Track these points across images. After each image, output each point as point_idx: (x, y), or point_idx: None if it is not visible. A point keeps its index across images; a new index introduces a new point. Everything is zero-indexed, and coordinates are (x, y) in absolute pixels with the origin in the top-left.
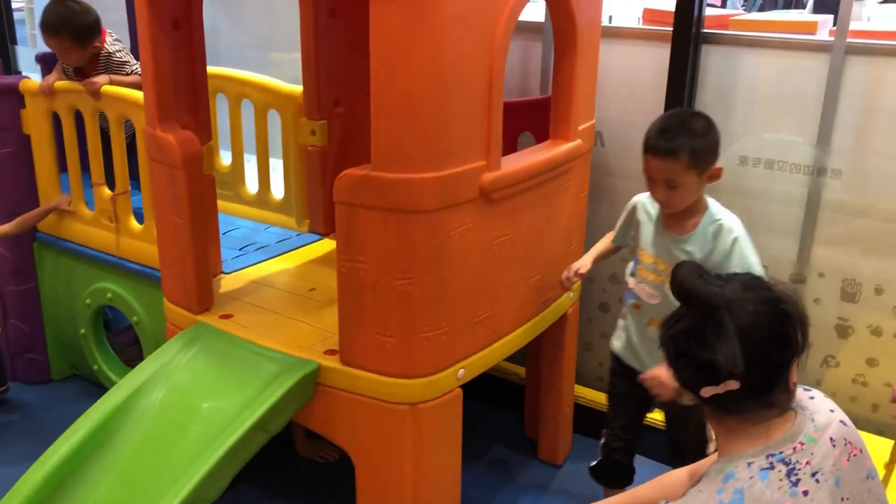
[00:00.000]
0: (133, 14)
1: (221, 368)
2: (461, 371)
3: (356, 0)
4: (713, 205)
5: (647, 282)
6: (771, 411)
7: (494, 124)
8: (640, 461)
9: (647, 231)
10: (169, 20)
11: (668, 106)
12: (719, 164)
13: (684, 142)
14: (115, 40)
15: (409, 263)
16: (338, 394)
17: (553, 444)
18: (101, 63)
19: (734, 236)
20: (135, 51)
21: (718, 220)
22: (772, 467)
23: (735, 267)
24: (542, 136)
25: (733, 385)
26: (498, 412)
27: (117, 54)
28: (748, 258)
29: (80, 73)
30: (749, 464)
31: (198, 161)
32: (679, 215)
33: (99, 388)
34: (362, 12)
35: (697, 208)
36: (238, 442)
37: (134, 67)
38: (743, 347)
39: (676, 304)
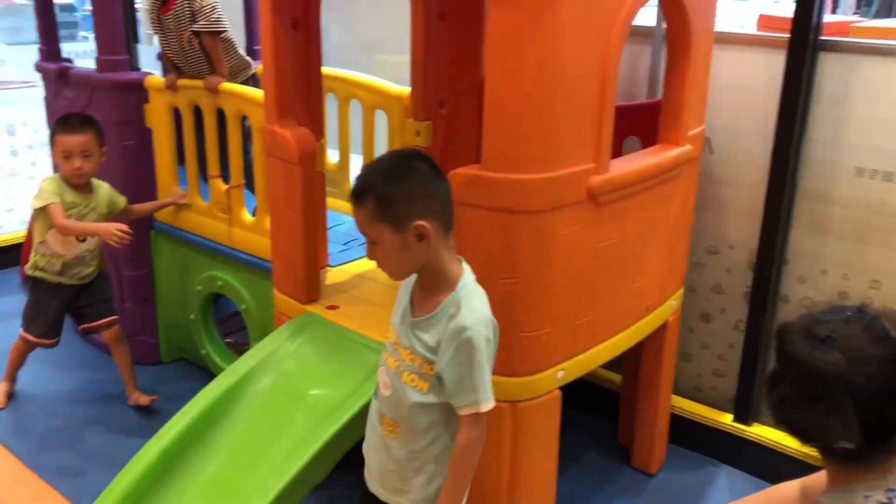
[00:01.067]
0: (250, 15)
1: (328, 357)
2: (561, 373)
3: (465, 4)
4: (465, 282)
5: (385, 366)
6: (890, 454)
7: (605, 127)
8: (736, 474)
9: (401, 302)
10: (289, 20)
11: (781, 114)
12: (423, 221)
13: (370, 186)
14: None
15: (514, 263)
16: None
17: (647, 452)
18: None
19: (465, 337)
20: (250, 50)
21: (458, 305)
22: (890, 502)
23: (450, 385)
24: (648, 140)
25: (848, 445)
26: (590, 418)
27: (205, 2)
28: (472, 377)
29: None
30: (866, 497)
31: (312, 157)
32: (427, 289)
33: (205, 371)
34: (471, 16)
35: (443, 283)
36: (343, 428)
37: (216, 19)
38: (860, 414)
39: (409, 402)
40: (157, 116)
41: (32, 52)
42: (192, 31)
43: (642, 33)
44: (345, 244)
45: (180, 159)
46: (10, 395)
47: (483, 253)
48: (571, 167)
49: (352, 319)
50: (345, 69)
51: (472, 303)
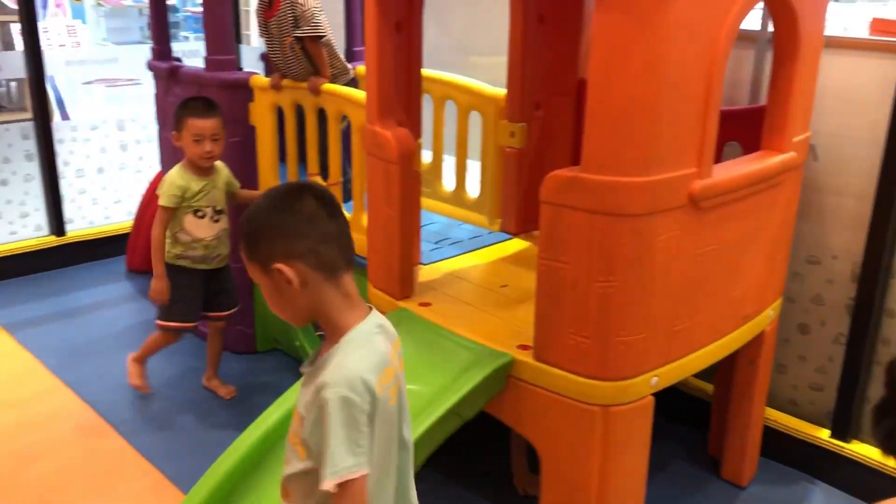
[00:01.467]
0: (350, 18)
1: (420, 353)
2: (654, 379)
3: (564, 6)
4: (355, 335)
5: None
6: None
7: (709, 132)
8: (831, 492)
9: None
10: (393, 23)
11: (893, 122)
12: (281, 265)
13: (244, 221)
14: None
15: (612, 266)
16: (529, 388)
17: (738, 464)
18: (285, 1)
19: (321, 396)
20: (349, 54)
21: (332, 359)
22: None
23: (313, 451)
24: (749, 146)
25: None
26: (680, 427)
27: (307, 6)
28: (327, 443)
29: (265, 5)
30: None
31: (411, 157)
32: (326, 339)
33: (297, 362)
34: (569, 18)
35: (334, 333)
36: (435, 424)
37: (317, 24)
38: None
39: (290, 470)
40: (261, 115)
41: (136, 51)
42: (295, 36)
43: (746, 37)
44: (436, 243)
45: (281, 156)
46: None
47: (581, 255)
48: (673, 171)
49: (444, 317)
50: (440, 70)
51: (346, 358)
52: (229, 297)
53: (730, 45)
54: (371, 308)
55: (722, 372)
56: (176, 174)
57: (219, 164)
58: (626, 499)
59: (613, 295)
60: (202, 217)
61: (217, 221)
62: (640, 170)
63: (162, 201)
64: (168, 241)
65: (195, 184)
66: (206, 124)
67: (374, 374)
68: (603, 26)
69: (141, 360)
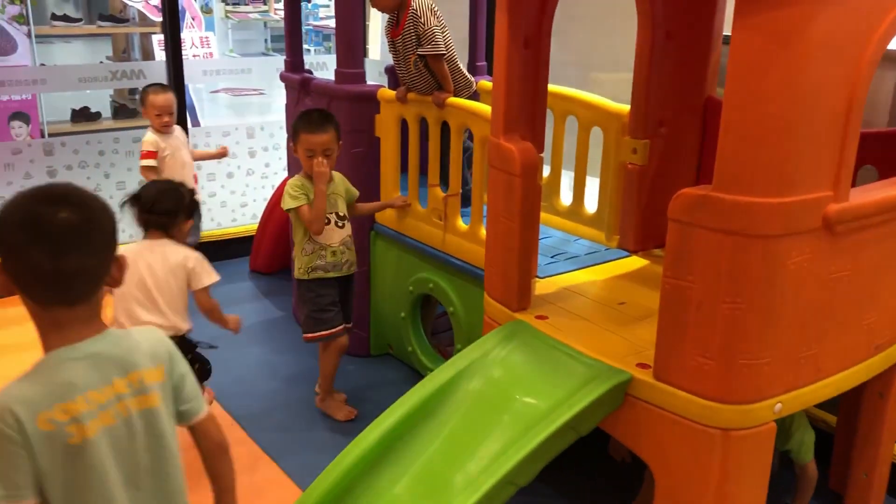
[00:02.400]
0: (475, 33)
1: (536, 366)
2: (778, 405)
3: (694, 23)
4: (38, 362)
5: None
6: None
7: (847, 155)
8: None
9: None
10: (521, 39)
11: None
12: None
13: None
14: (432, 11)
15: (740, 288)
16: (647, 408)
17: (863, 501)
18: (409, 20)
19: None
20: (472, 68)
21: None
22: None
23: None
24: (886, 170)
25: None
26: None
27: (428, 25)
28: None
29: (392, 24)
30: None
31: (534, 171)
32: None
33: (408, 368)
34: (699, 35)
35: None
36: (551, 436)
37: (438, 42)
38: None
39: None
40: (386, 126)
41: (264, 63)
42: (418, 54)
43: (887, 57)
44: (552, 257)
45: (403, 167)
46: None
47: (708, 275)
48: (808, 193)
49: (561, 331)
50: (562, 86)
51: (11, 384)
52: (351, 308)
53: (874, 66)
54: (100, 332)
55: (847, 403)
56: (293, 185)
57: (336, 174)
58: None
59: (740, 317)
60: (327, 223)
61: (342, 227)
62: (774, 190)
63: (287, 205)
64: (298, 258)
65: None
66: (317, 139)
67: (37, 405)
68: (741, 44)
69: (327, 392)
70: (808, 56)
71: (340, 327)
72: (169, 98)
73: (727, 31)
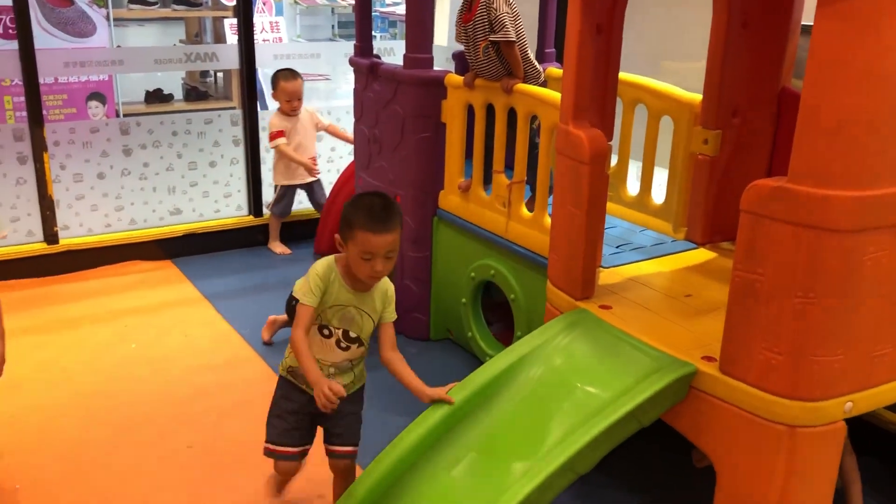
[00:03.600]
0: (545, 20)
1: (599, 355)
2: (849, 404)
3: (771, 12)
4: None
5: None
6: None
7: None
8: None
9: None
10: (594, 25)
11: None
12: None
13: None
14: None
15: (813, 283)
16: (712, 401)
17: None
18: (481, 6)
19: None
20: (540, 55)
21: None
22: None
23: None
24: None
25: None
26: (869, 460)
27: (500, 12)
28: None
29: (464, 10)
30: None
31: (603, 158)
32: None
33: (467, 353)
34: (776, 24)
35: None
36: (613, 425)
37: (509, 30)
38: None
39: None
40: (453, 112)
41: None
42: (490, 40)
43: None
44: (617, 247)
45: (468, 154)
46: None
47: (780, 269)
48: (889, 188)
49: (625, 321)
50: (632, 74)
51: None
52: (349, 427)
53: None
54: None
55: None
56: (323, 268)
57: (384, 284)
58: None
59: (812, 312)
60: (326, 335)
61: (345, 349)
62: (852, 184)
63: (297, 291)
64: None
65: (344, 294)
66: (381, 241)
67: None
68: (823, 32)
69: None
70: (892, 45)
71: (292, 450)
72: (298, 84)
73: (805, 21)
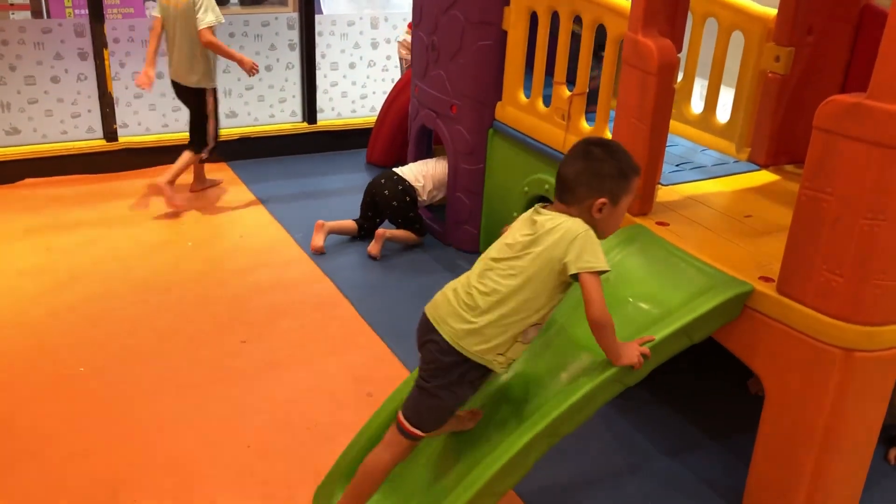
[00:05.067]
0: None
1: (655, 270)
2: None
3: None
4: None
5: None
6: None
7: None
8: None
9: None
10: None
11: None
12: None
13: None
14: None
15: (884, 204)
16: (766, 321)
17: None
18: None
19: None
20: None
21: None
22: None
23: None
24: None
25: None
26: None
27: None
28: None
29: None
30: None
31: (671, 70)
32: None
33: None
34: None
35: None
36: (663, 341)
37: None
38: None
39: None
40: (516, 19)
41: None
42: None
43: None
44: (677, 166)
45: (529, 64)
46: None
47: (850, 188)
48: None
49: (682, 238)
50: None
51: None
52: None
53: None
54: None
55: None
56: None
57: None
58: (853, 451)
59: (879, 234)
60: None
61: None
62: None
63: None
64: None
65: None
66: None
67: None
68: None
69: None
70: None
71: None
72: None
73: None
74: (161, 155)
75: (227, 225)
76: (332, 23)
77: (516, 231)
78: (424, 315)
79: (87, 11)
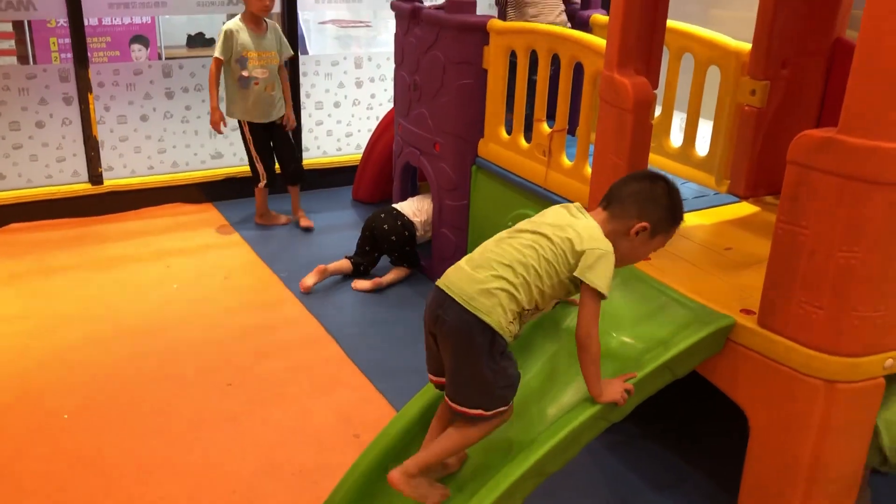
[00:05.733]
0: None
1: (636, 306)
2: (889, 361)
3: None
4: None
5: None
6: None
7: None
8: None
9: None
10: None
11: None
12: None
13: None
14: None
15: (858, 236)
16: (749, 354)
17: None
18: None
19: None
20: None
21: None
22: None
23: None
24: None
25: None
26: None
27: None
28: None
29: None
30: None
31: (647, 107)
32: None
33: None
34: None
35: None
36: (646, 376)
37: None
38: None
39: None
40: (495, 58)
41: None
42: None
43: None
44: None
45: (510, 101)
46: None
47: (825, 222)
48: None
49: (663, 272)
50: (680, 22)
51: None
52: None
53: None
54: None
55: None
56: None
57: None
58: (839, 484)
59: (856, 266)
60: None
61: None
62: None
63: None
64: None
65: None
66: None
67: None
68: None
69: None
70: None
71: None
72: None
73: None
74: (147, 197)
75: (212, 266)
76: (316, 63)
77: (549, 213)
78: (436, 288)
79: (72, 55)
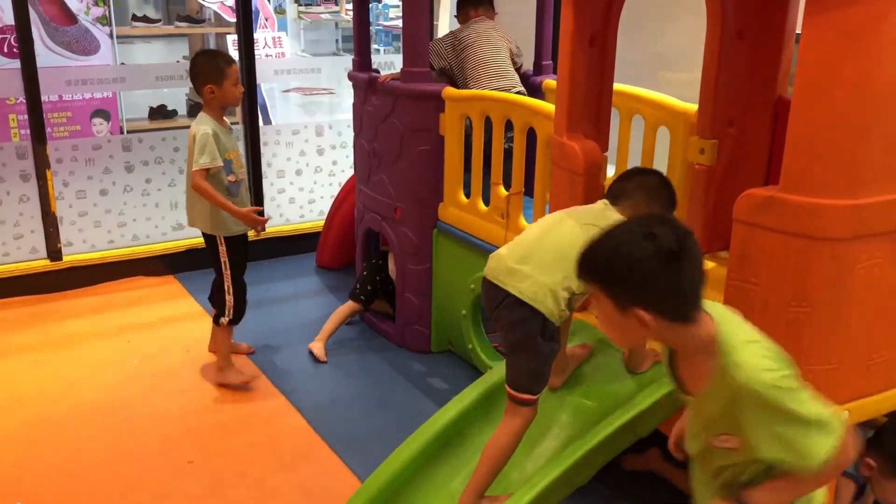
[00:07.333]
0: (541, 32)
1: (597, 366)
2: (845, 413)
3: (765, 21)
4: None
5: None
6: None
7: None
8: None
9: None
10: (587, 37)
11: None
12: None
13: None
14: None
15: (806, 292)
16: None
17: None
18: None
19: None
20: (537, 67)
21: None
22: None
23: None
24: None
25: None
26: None
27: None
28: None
29: None
30: None
31: (597, 170)
32: None
33: (468, 365)
34: (770, 33)
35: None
36: (610, 436)
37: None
38: None
39: None
40: (451, 125)
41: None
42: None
43: None
44: None
45: (467, 166)
46: None
47: (773, 278)
48: (881, 196)
49: None
50: (628, 85)
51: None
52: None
53: None
54: None
55: None
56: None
57: None
58: None
59: (806, 321)
60: None
61: None
62: (844, 192)
63: None
64: None
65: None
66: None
67: None
68: (812, 41)
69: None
70: (881, 54)
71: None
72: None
73: (800, 30)
74: (107, 271)
75: (173, 340)
76: (276, 132)
77: (595, 205)
78: (485, 280)
79: (30, 132)
